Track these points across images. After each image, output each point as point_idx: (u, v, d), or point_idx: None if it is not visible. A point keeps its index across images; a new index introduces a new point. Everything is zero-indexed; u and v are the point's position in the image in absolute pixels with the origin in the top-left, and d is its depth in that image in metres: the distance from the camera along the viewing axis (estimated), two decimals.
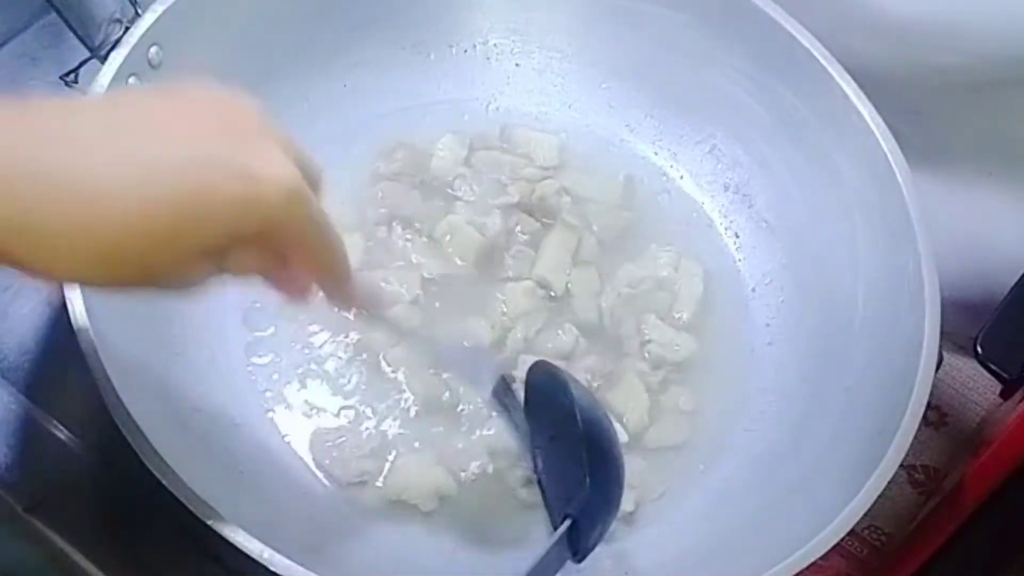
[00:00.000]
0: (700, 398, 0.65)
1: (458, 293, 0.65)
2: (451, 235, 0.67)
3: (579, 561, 0.51)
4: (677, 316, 0.67)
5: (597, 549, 0.58)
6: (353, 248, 0.65)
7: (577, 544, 0.51)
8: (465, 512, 0.59)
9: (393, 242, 0.66)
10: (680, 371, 0.65)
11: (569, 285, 0.66)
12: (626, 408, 0.62)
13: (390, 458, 0.59)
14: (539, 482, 0.58)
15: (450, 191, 0.69)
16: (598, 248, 0.69)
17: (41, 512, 0.59)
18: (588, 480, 0.51)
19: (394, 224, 0.67)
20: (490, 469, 0.60)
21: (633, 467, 0.61)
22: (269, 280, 0.41)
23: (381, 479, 0.59)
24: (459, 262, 0.66)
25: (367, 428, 0.60)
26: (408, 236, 0.67)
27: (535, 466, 0.58)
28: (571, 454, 0.52)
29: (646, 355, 0.65)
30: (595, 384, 0.63)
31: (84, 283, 0.42)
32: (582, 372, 0.63)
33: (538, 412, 0.58)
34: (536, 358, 0.60)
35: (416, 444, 0.60)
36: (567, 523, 0.51)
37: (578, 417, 0.52)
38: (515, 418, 0.59)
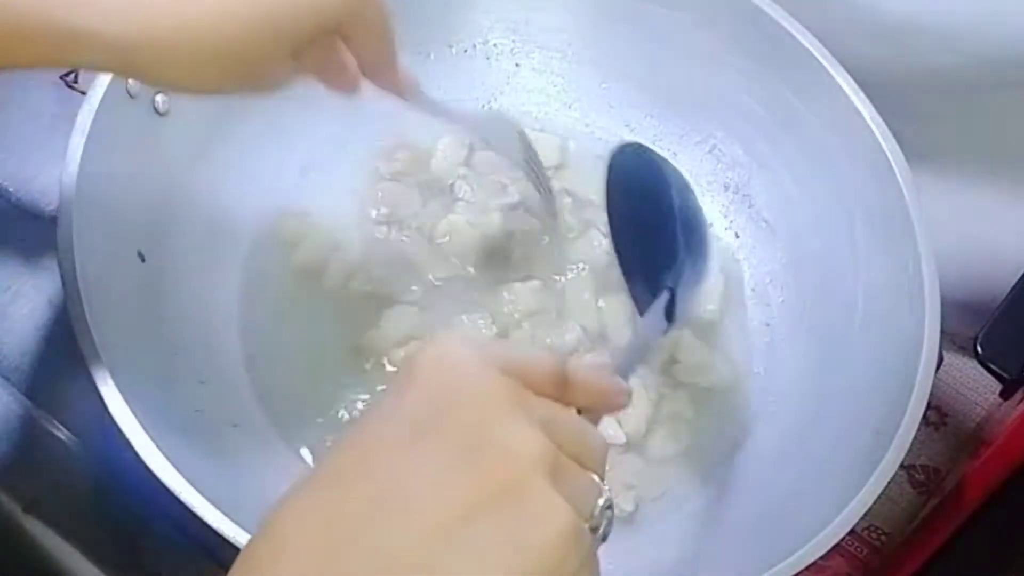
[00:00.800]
0: (700, 398, 0.65)
1: (459, 294, 0.65)
2: (451, 236, 0.67)
3: (672, 323, 0.51)
4: (706, 310, 0.67)
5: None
6: (351, 248, 0.65)
7: (672, 312, 0.51)
8: None
9: (392, 243, 0.66)
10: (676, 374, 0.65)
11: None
12: (625, 412, 0.62)
13: None
14: (620, 264, 0.56)
15: (450, 192, 0.69)
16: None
17: (41, 512, 0.59)
18: (682, 253, 0.53)
19: (393, 224, 0.67)
20: None
21: (633, 467, 0.61)
22: (325, 77, 0.48)
23: None
24: (458, 263, 0.66)
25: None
26: (405, 236, 0.67)
27: (616, 248, 0.56)
28: (661, 231, 0.54)
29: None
30: None
31: (194, 88, 0.44)
32: None
33: (622, 193, 0.57)
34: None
35: None
36: (666, 294, 0.51)
37: (674, 196, 0.56)
38: (540, 181, 0.62)
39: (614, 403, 0.39)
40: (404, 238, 0.67)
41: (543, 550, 0.31)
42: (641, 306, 0.52)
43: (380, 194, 0.68)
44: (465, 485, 0.31)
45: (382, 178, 0.69)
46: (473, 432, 0.32)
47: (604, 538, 0.35)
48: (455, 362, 0.34)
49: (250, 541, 0.32)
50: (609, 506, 0.35)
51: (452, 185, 0.69)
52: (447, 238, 0.67)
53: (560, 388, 0.36)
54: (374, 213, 0.67)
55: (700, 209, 0.58)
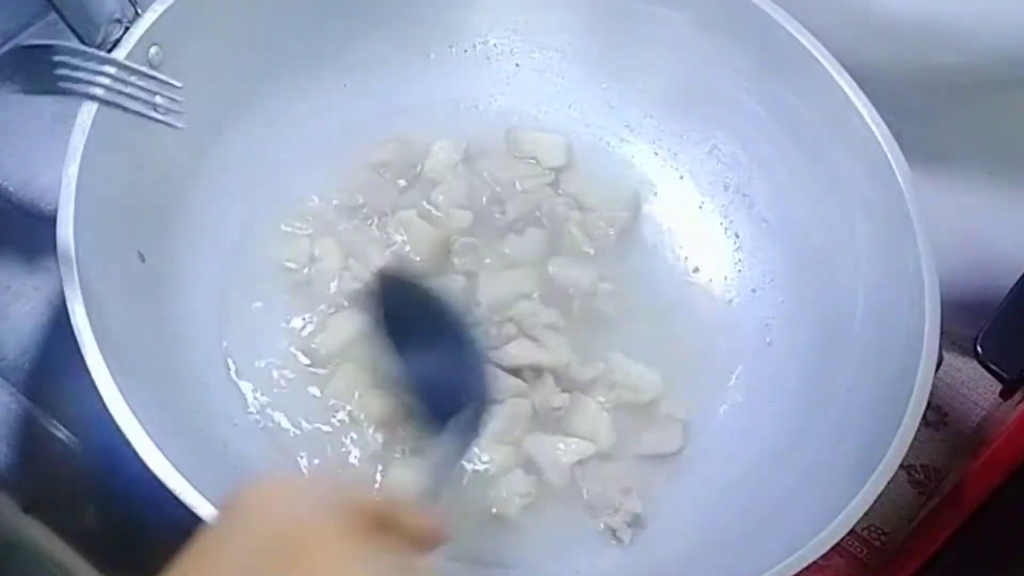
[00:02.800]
0: (700, 399, 0.65)
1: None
2: (405, 229, 0.67)
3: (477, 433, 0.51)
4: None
5: (597, 550, 0.59)
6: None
7: (476, 429, 0.51)
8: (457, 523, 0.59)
9: (350, 232, 0.66)
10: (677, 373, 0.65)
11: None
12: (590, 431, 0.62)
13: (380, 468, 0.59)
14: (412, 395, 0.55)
15: (428, 188, 0.69)
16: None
17: (41, 512, 0.59)
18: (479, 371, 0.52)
19: (364, 214, 0.67)
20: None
21: (633, 467, 0.61)
22: None
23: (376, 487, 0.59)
24: (415, 257, 0.66)
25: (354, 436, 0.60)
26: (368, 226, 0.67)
27: (406, 383, 0.55)
28: (447, 358, 0.53)
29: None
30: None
31: None
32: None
33: (400, 325, 0.55)
34: None
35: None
36: (470, 407, 0.51)
37: (453, 325, 0.53)
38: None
39: (436, 536, 0.39)
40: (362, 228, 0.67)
41: None
42: (434, 426, 0.51)
43: (358, 183, 0.68)
44: None
45: (369, 167, 0.69)
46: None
47: None
48: (288, 500, 0.33)
49: None
50: None
51: (433, 182, 0.69)
52: (400, 232, 0.67)
53: (384, 528, 0.35)
54: (341, 201, 0.68)
55: (470, 332, 0.55)
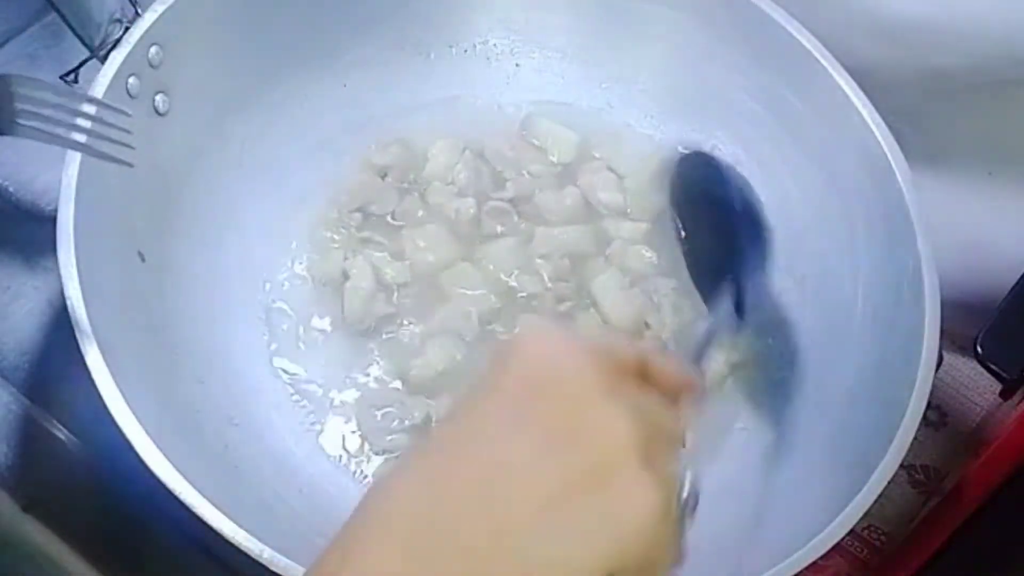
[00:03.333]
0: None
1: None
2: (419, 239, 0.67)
3: (742, 317, 0.55)
4: None
5: None
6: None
7: (741, 305, 0.54)
8: None
9: (354, 235, 0.67)
10: None
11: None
12: None
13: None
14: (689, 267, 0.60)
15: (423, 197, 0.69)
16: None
17: (40, 512, 0.59)
18: (746, 247, 0.56)
19: (365, 217, 0.67)
20: None
21: None
22: None
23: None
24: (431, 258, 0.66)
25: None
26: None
27: (684, 252, 0.60)
28: (724, 231, 0.57)
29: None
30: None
31: None
32: None
33: (686, 198, 0.60)
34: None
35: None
36: (731, 286, 0.54)
37: (734, 199, 0.58)
38: None
39: (690, 391, 0.41)
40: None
41: (636, 528, 0.33)
42: (709, 303, 0.55)
43: (359, 187, 0.68)
44: (563, 465, 0.33)
45: (370, 169, 0.69)
46: (570, 414, 0.34)
47: (690, 516, 0.37)
48: (550, 345, 0.36)
49: (359, 505, 0.33)
50: (694, 487, 0.37)
51: (425, 191, 0.69)
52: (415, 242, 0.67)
53: (642, 376, 0.38)
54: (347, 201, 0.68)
55: (760, 207, 0.59)
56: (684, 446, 0.38)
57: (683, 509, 0.36)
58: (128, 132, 0.51)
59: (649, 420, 0.35)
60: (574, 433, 0.34)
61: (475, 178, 0.69)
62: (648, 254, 0.68)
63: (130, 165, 0.52)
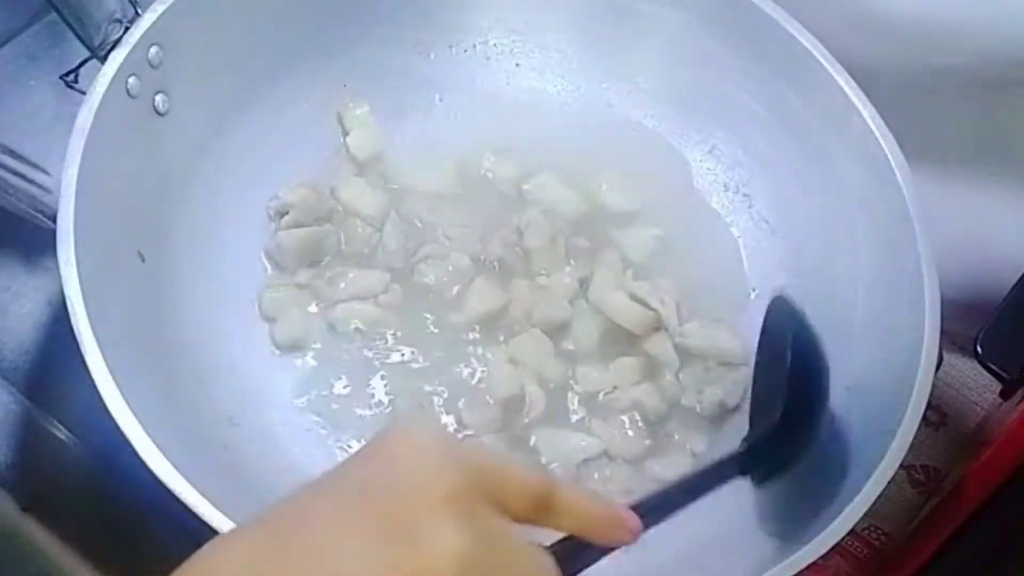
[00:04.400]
0: (698, 399, 0.65)
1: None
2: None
3: (756, 483, 0.53)
4: None
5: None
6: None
7: (752, 469, 0.53)
8: None
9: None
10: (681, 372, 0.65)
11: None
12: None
13: None
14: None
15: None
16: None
17: (40, 512, 0.59)
18: (774, 412, 0.53)
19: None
20: None
21: (635, 469, 0.61)
22: None
23: None
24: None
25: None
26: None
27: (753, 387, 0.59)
28: (775, 387, 0.54)
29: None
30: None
31: None
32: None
33: (767, 342, 0.58)
34: None
35: None
36: (743, 445, 0.53)
37: (788, 353, 0.54)
38: None
39: (609, 535, 0.39)
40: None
41: None
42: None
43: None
44: (382, 568, 0.32)
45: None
46: (402, 519, 0.32)
47: None
48: (418, 445, 0.34)
49: (186, 564, 0.33)
50: None
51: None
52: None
53: (542, 509, 0.36)
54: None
55: (820, 379, 0.55)
56: None
57: None
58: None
59: (501, 559, 0.34)
60: (398, 541, 0.32)
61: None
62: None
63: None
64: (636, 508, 0.41)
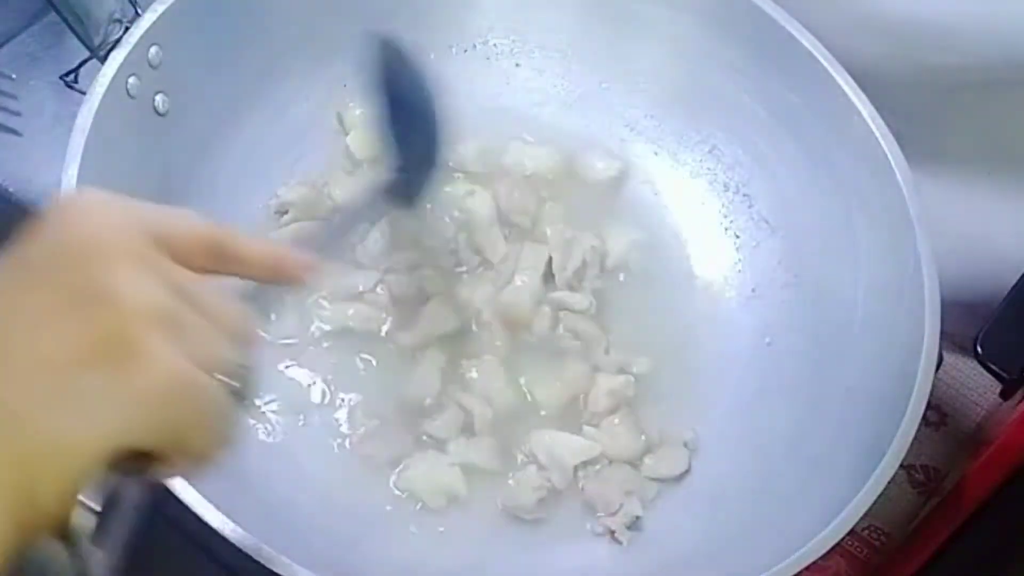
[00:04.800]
0: (699, 399, 0.65)
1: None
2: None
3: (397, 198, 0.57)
4: None
5: (597, 549, 0.59)
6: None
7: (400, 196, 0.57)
8: (474, 516, 0.59)
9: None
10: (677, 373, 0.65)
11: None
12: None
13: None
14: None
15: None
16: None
17: None
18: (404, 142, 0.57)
19: None
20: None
21: (634, 471, 0.61)
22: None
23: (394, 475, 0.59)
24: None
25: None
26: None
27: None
28: (404, 121, 0.58)
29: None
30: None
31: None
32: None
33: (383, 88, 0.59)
34: None
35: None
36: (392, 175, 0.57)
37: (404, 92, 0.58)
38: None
39: (285, 275, 0.39)
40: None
41: (149, 400, 0.31)
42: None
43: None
44: (71, 335, 0.31)
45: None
46: (84, 281, 0.31)
47: (241, 397, 0.35)
48: (88, 212, 0.33)
49: None
50: (244, 366, 0.35)
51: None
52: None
53: (216, 258, 0.36)
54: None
55: (432, 99, 0.59)
56: (239, 329, 0.35)
57: (237, 394, 0.34)
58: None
59: (191, 302, 0.33)
60: (85, 302, 0.31)
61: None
62: None
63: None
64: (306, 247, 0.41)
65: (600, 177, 0.71)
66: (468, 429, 0.61)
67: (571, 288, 0.66)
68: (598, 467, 0.61)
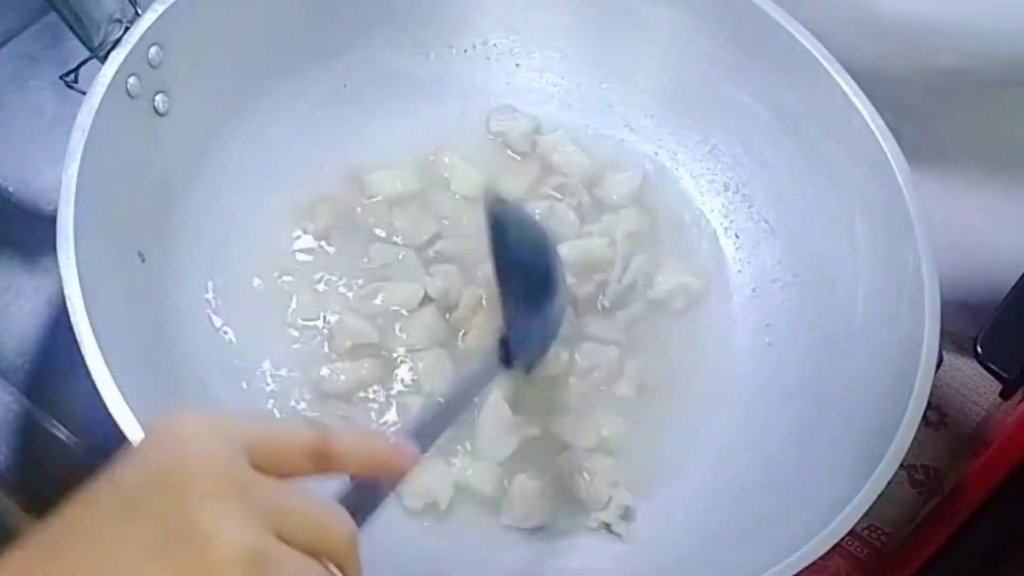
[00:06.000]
0: (699, 398, 0.65)
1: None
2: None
3: (509, 367, 0.53)
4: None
5: (597, 549, 0.59)
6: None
7: (510, 358, 0.53)
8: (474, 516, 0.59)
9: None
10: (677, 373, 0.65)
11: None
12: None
13: None
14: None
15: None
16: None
17: (41, 512, 0.59)
18: (515, 302, 0.54)
19: None
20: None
21: (630, 470, 0.61)
22: None
23: None
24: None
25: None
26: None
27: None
28: (516, 282, 0.55)
29: None
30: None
31: None
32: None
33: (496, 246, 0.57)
34: None
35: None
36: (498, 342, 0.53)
37: (512, 248, 0.54)
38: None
39: (391, 466, 0.38)
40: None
41: None
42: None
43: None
44: (168, 571, 0.31)
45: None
46: (175, 518, 0.31)
47: None
48: (185, 437, 0.33)
49: None
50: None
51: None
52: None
53: (321, 461, 0.35)
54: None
55: (555, 267, 0.57)
56: (346, 548, 0.35)
57: None
58: None
59: (291, 526, 0.33)
60: (175, 540, 0.31)
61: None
62: None
63: None
64: (411, 435, 0.41)
65: (623, 191, 0.71)
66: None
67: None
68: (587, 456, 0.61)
